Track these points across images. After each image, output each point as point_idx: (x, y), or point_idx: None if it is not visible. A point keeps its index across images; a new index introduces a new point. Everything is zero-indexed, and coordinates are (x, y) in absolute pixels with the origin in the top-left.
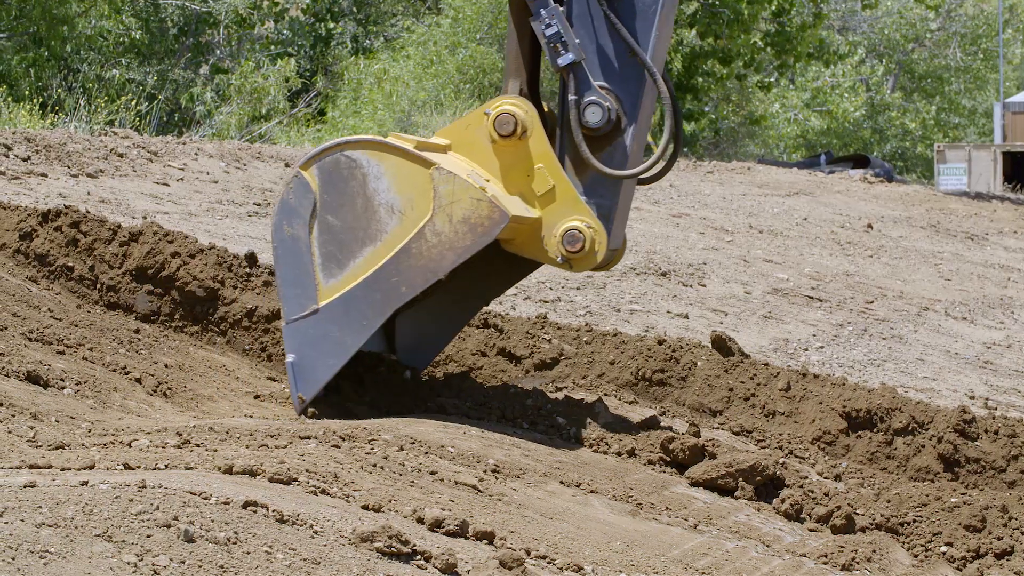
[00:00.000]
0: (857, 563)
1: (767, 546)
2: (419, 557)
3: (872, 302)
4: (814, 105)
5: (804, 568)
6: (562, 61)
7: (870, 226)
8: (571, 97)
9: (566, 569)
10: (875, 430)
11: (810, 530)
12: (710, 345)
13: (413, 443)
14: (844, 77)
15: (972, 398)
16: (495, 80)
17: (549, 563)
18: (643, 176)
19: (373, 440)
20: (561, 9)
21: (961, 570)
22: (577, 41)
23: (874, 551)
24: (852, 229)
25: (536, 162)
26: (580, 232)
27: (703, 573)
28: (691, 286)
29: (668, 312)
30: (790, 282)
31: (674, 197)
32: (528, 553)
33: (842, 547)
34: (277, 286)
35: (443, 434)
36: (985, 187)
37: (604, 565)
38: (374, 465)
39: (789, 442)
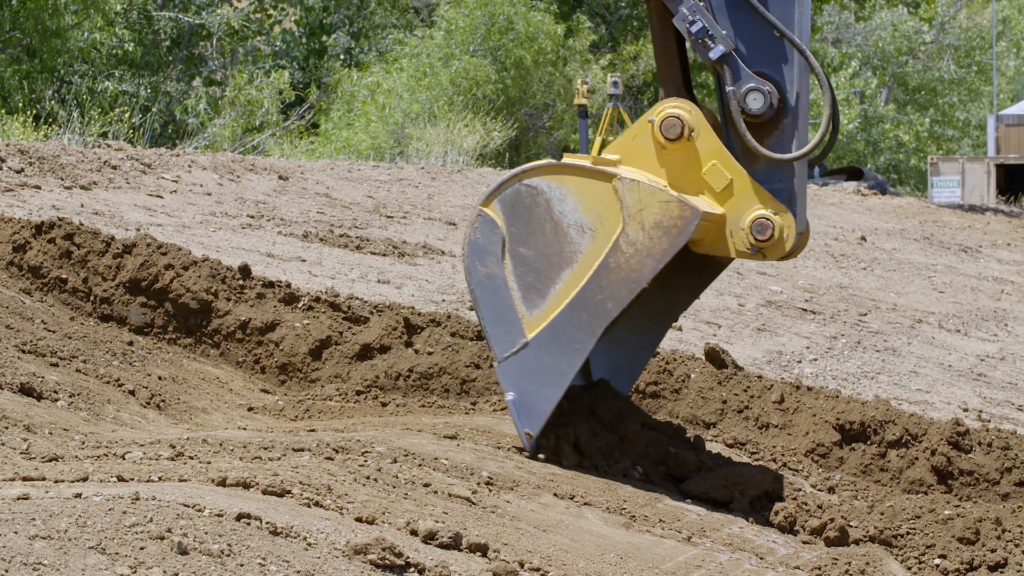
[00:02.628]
0: (851, 575)
1: (760, 558)
2: (413, 569)
3: (866, 314)
4: (808, 118)
5: None
6: (713, 54)
7: (864, 238)
8: (729, 88)
9: None
10: (869, 442)
11: (804, 542)
12: (704, 357)
13: (407, 455)
14: (838, 89)
15: (966, 410)
16: (488, 92)
17: (543, 575)
18: (812, 157)
19: (367, 452)
20: (701, 3)
21: None
22: (724, 32)
23: (868, 563)
24: (846, 241)
25: (709, 159)
26: (768, 220)
27: None
28: None
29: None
30: (784, 294)
31: None
32: (522, 565)
33: (836, 560)
34: (482, 327)
35: (436, 446)
36: (979, 199)
37: None
38: (367, 477)
39: (783, 454)
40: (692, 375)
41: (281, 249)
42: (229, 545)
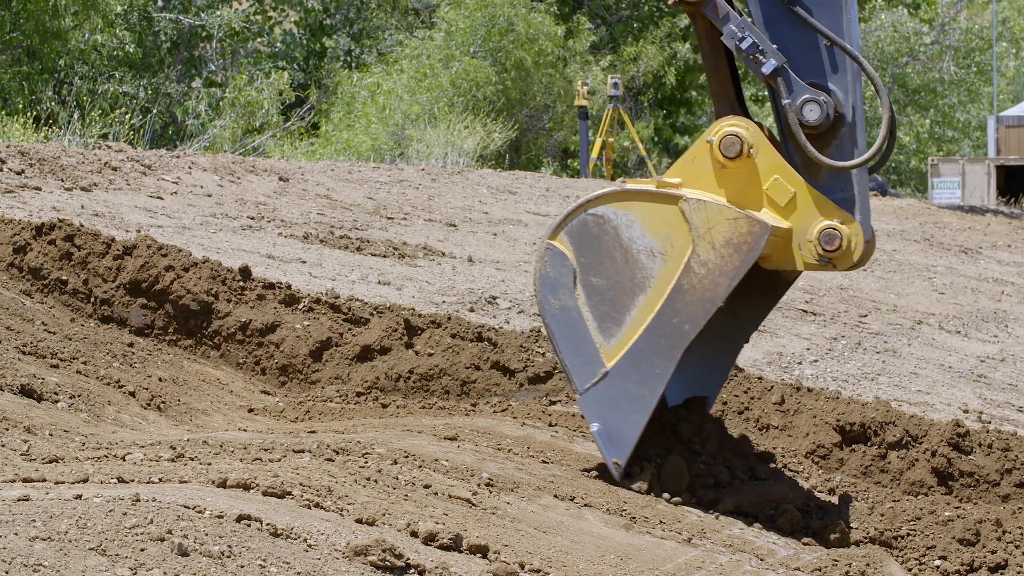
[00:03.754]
0: None
1: (761, 560)
2: (413, 571)
3: (866, 316)
4: None
5: None
6: (766, 69)
7: None
8: (785, 102)
9: None
10: (869, 444)
11: (804, 544)
12: None
13: (407, 456)
14: None
15: (966, 412)
16: (488, 94)
17: None
18: (872, 163)
19: (367, 454)
20: (748, 19)
21: None
22: (774, 46)
23: (868, 565)
24: None
25: (770, 175)
26: (835, 229)
27: None
28: None
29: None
30: (783, 297)
31: None
32: (522, 567)
33: (836, 561)
34: (560, 361)
35: (437, 447)
36: (979, 201)
37: None
38: (368, 479)
39: (783, 456)
40: None
41: (281, 250)
42: (229, 546)
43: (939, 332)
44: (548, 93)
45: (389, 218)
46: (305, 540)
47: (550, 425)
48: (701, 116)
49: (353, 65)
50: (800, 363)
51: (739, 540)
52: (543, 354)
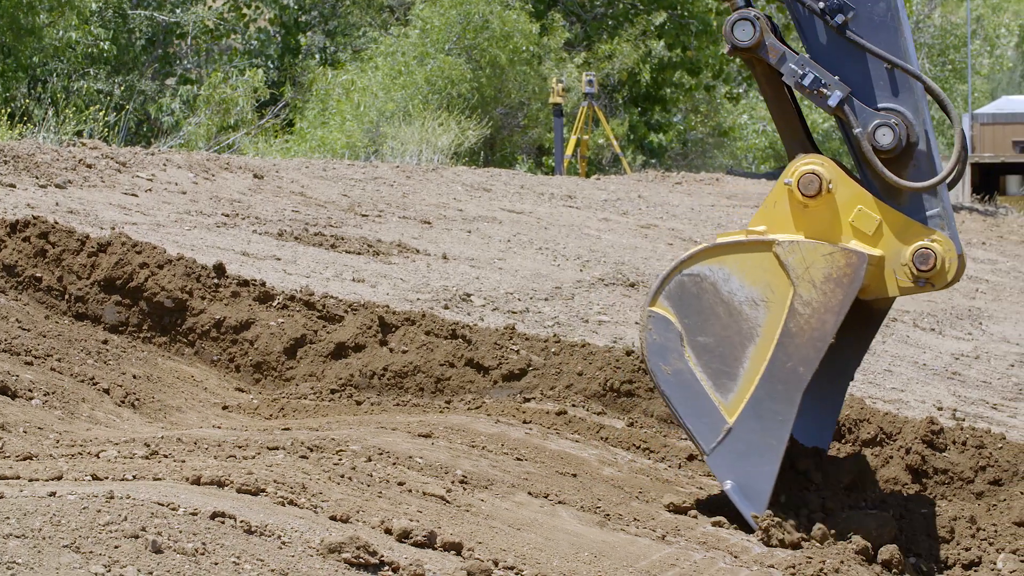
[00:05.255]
0: (825, 573)
1: (735, 557)
2: (387, 568)
3: None
4: None
5: None
6: (832, 101)
7: None
8: (857, 131)
9: None
10: (843, 441)
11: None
12: None
13: (381, 454)
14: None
15: (940, 409)
16: (463, 91)
17: (517, 574)
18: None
19: (341, 451)
20: (807, 55)
21: None
22: (836, 77)
23: (842, 562)
24: None
25: (853, 206)
26: (928, 248)
27: None
28: None
29: (637, 323)
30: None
31: (642, 208)
32: (496, 564)
33: (810, 559)
34: (681, 425)
35: (411, 445)
36: (953, 198)
37: None
38: (342, 476)
39: None
40: None
41: (256, 248)
42: (203, 544)
43: (913, 329)
44: (523, 90)
45: (363, 215)
46: (279, 537)
47: (524, 422)
48: (676, 113)
49: (328, 62)
50: None
51: (713, 537)
52: (517, 351)
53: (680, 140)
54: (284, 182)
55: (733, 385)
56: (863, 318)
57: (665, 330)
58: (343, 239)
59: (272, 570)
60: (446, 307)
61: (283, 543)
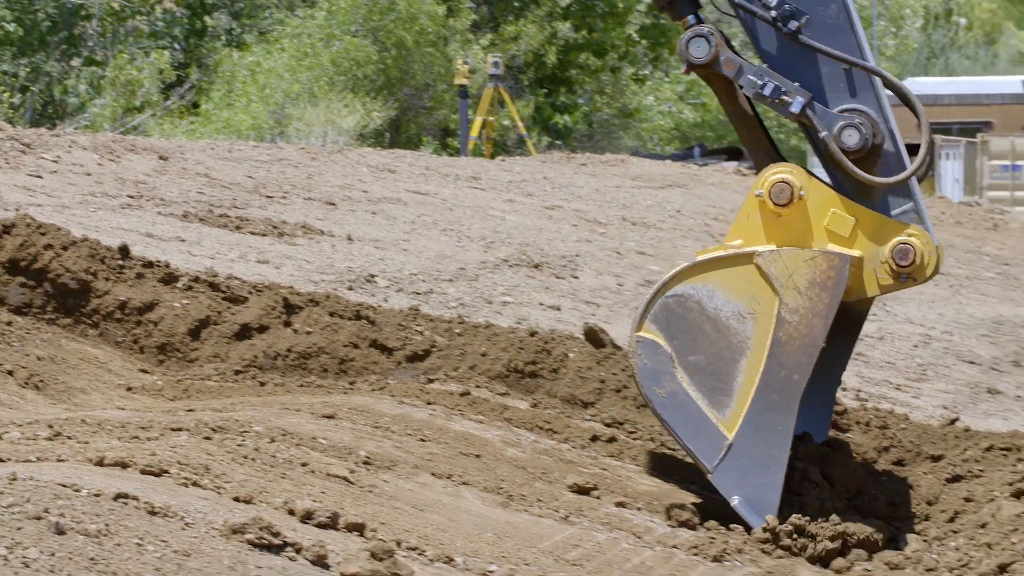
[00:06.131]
0: (728, 554)
1: (638, 537)
2: (290, 549)
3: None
4: (688, 98)
5: (675, 559)
6: (795, 108)
7: None
8: (823, 134)
9: (437, 560)
10: None
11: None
12: (582, 337)
13: (284, 435)
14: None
15: (844, 390)
16: (369, 72)
17: (420, 554)
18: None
19: (244, 432)
20: (764, 64)
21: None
22: (796, 83)
23: (745, 542)
24: (726, 221)
25: (827, 209)
26: (906, 243)
27: (574, 564)
28: (564, 278)
29: (540, 304)
30: (663, 274)
31: (547, 189)
32: (399, 544)
33: (713, 538)
34: (682, 446)
35: (315, 426)
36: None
37: (475, 556)
38: (245, 457)
39: (660, 433)
40: (570, 355)
41: (161, 229)
42: (107, 525)
43: None
44: (429, 72)
45: (268, 197)
46: (182, 518)
47: (428, 403)
48: (581, 95)
49: (234, 44)
50: None
51: (616, 518)
52: (421, 332)
53: (586, 122)
54: (189, 164)
55: (729, 400)
56: (844, 321)
57: (655, 354)
58: (248, 220)
59: (175, 551)
60: (350, 288)
61: (186, 524)
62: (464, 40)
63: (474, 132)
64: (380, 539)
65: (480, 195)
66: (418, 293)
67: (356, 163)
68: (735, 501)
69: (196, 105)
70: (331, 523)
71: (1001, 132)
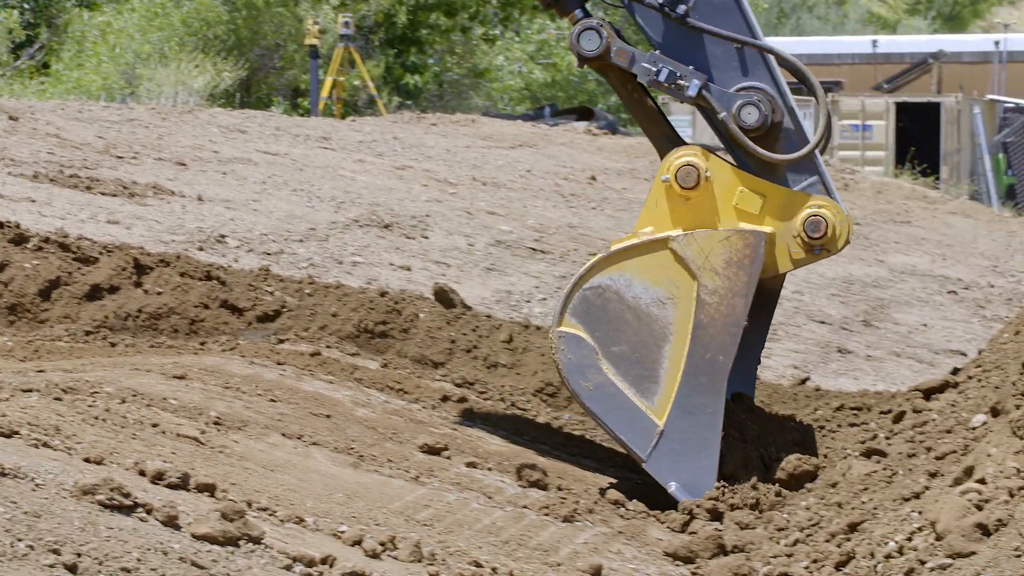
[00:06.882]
0: (579, 514)
1: (489, 498)
2: (140, 509)
3: (595, 254)
4: (539, 58)
5: (526, 519)
6: (691, 92)
7: (593, 178)
8: (721, 115)
9: (287, 521)
10: None
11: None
12: (432, 297)
13: (135, 395)
14: (569, 30)
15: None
16: (220, 33)
17: (271, 515)
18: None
19: (95, 393)
20: (656, 51)
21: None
22: (690, 67)
23: (595, 503)
24: (576, 181)
25: (734, 189)
26: (817, 215)
27: (425, 525)
28: (414, 238)
29: (391, 264)
30: (513, 234)
31: (397, 149)
32: (249, 505)
33: (563, 499)
34: (613, 438)
35: (165, 386)
36: (711, 139)
37: (325, 517)
38: (96, 418)
39: (511, 394)
40: (421, 315)
41: (10, 190)
42: None
43: None
44: (279, 32)
45: (119, 157)
46: (32, 479)
47: (278, 364)
48: (431, 55)
49: (84, 4)
50: (529, 301)
51: (467, 478)
52: (271, 293)
53: (436, 82)
54: (39, 124)
55: (656, 387)
56: (758, 297)
57: (578, 348)
58: (98, 181)
59: (25, 512)
60: (201, 249)
61: (36, 485)
62: (314, 0)
63: (324, 92)
64: (231, 500)
65: (331, 155)
66: (268, 253)
67: (207, 123)
68: (672, 487)
69: (46, 65)
70: (182, 484)
71: (851, 92)
